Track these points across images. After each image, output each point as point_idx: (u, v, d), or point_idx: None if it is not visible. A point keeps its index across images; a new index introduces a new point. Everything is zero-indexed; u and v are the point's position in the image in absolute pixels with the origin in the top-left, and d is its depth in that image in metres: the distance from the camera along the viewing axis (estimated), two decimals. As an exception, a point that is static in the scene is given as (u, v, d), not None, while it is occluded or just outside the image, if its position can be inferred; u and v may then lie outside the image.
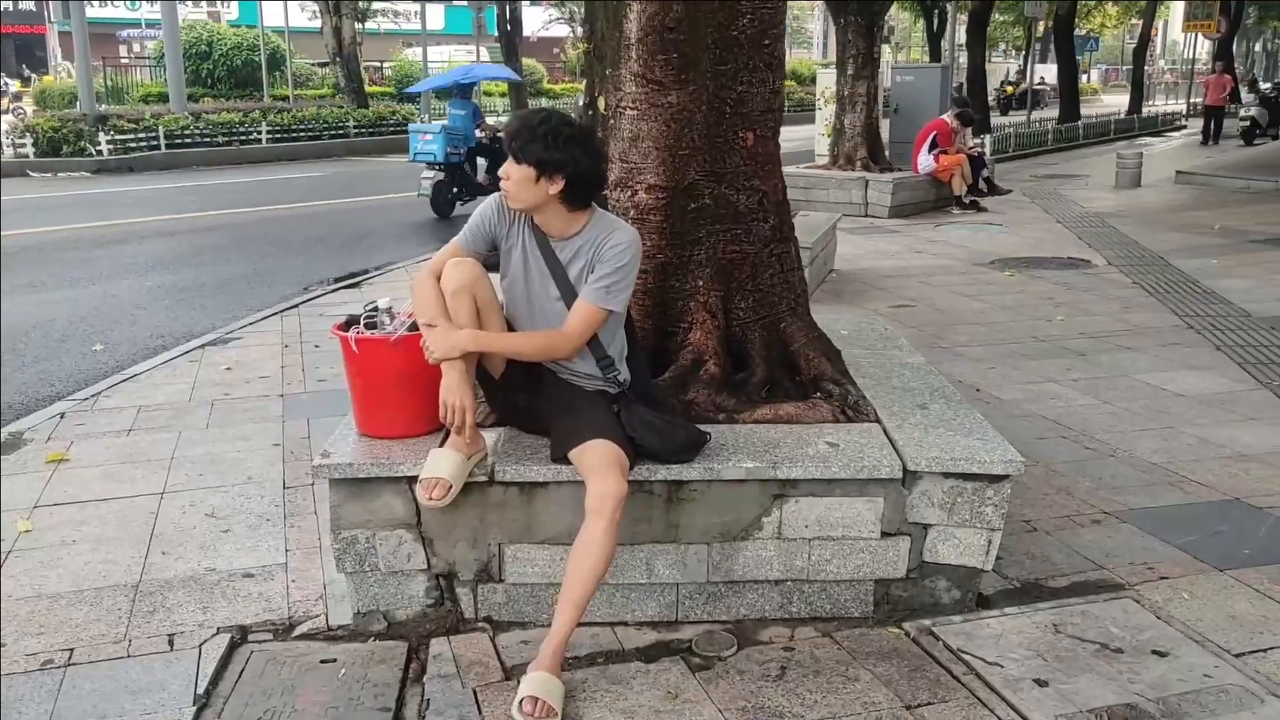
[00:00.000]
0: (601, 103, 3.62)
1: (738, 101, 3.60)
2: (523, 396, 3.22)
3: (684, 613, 3.27)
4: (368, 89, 29.09)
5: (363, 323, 3.22)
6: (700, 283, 3.64)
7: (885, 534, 3.19)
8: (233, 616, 3.34)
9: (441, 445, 3.10)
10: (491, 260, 3.18)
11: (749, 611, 3.27)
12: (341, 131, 23.38)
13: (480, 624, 3.24)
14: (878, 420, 3.43)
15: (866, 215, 12.62)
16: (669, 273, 3.64)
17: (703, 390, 3.46)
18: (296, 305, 7.99)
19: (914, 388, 3.77)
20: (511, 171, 2.96)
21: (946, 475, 3.14)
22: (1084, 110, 28.26)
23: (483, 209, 3.16)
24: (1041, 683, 2.89)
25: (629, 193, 3.62)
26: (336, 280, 9.16)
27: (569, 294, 3.08)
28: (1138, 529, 3.90)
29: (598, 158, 3.01)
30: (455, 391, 2.95)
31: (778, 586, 3.25)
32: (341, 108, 24.90)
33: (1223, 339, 6.68)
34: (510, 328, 3.17)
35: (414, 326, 3.19)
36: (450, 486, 2.97)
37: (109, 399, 5.67)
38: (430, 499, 2.96)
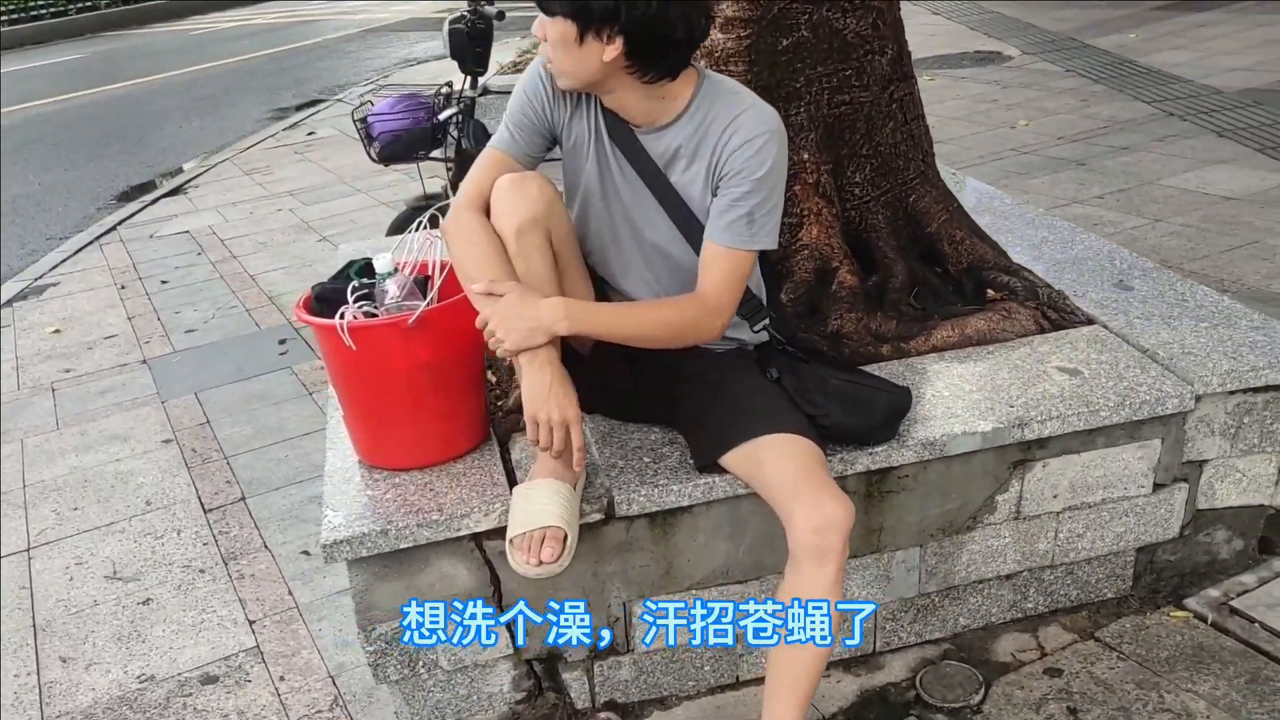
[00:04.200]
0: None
1: (834, -125, 2.41)
2: (624, 373, 2.07)
3: (884, 639, 2.28)
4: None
5: (351, 298, 1.99)
6: (805, 155, 2.51)
7: (1158, 485, 2.25)
8: (214, 769, 2.19)
9: (515, 483, 1.97)
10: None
11: (969, 620, 2.31)
12: (90, 4, 20.20)
13: (602, 715, 2.18)
14: (1091, 320, 2.44)
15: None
16: (757, 146, 2.48)
17: (847, 314, 2.38)
18: (114, 228, 6.38)
19: (1080, 257, 2.79)
20: (546, 28, 1.75)
21: (1231, 392, 2.20)
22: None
23: (526, 82, 1.92)
24: None
25: (692, 35, 2.42)
26: (149, 187, 7.49)
27: (679, 212, 1.91)
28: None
29: None
30: (550, 399, 1.77)
31: (1008, 581, 2.29)
32: (84, -26, 21.52)
33: (1216, 122, 5.92)
34: (591, 274, 2.01)
35: (423, 285, 2.01)
36: (564, 537, 1.84)
37: (-98, 403, 4.18)
38: (540, 564, 1.83)
